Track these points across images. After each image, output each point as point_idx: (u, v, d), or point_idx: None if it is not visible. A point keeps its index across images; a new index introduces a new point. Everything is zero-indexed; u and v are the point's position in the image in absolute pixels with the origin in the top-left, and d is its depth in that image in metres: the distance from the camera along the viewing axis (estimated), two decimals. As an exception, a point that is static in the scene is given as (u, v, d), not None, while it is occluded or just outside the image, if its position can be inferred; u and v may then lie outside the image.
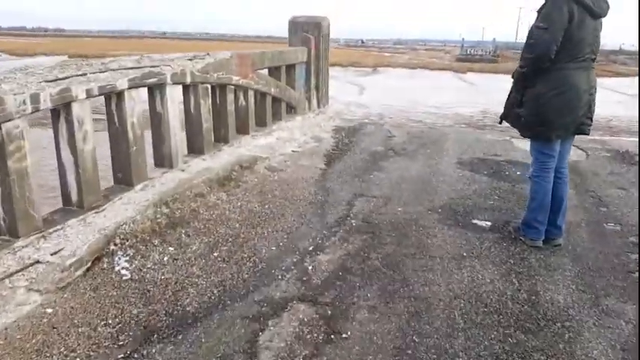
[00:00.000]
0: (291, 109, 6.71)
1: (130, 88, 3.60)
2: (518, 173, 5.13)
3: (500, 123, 3.53)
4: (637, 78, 16.27)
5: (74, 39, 62.31)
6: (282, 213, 3.90)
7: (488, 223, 3.85)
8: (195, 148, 4.70)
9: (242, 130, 5.46)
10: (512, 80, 3.34)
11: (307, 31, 7.06)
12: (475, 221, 3.88)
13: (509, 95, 3.39)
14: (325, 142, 6.23)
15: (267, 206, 4.02)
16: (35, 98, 2.85)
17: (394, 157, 5.68)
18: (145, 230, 3.33)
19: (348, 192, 4.44)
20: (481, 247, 3.43)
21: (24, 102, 2.79)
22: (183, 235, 3.42)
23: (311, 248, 3.36)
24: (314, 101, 7.33)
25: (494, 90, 13.28)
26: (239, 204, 4.01)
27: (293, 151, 5.72)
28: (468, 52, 41.76)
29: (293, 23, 7.15)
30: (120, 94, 3.58)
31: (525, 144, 5.60)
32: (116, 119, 3.67)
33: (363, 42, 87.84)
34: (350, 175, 4.96)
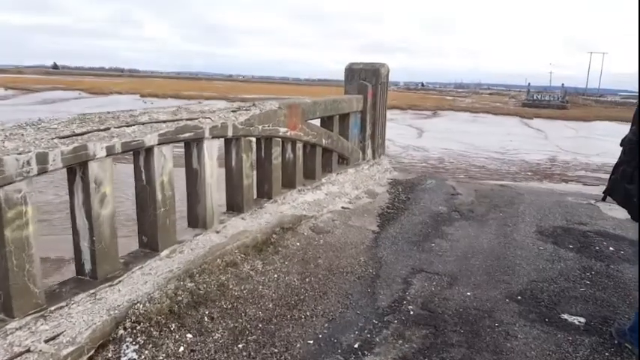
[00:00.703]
0: (344, 161, 6.18)
1: (160, 143, 3.20)
2: (611, 249, 4.24)
3: (604, 200, 2.79)
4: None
5: (147, 79, 66.48)
6: (324, 291, 3.29)
7: (582, 320, 3.04)
8: (234, 205, 4.23)
9: (288, 184, 4.97)
10: (621, 148, 2.62)
11: (364, 78, 6.60)
12: (565, 316, 3.09)
13: (616, 167, 2.66)
14: (380, 197, 5.61)
15: (307, 280, 3.43)
16: (42, 158, 2.48)
17: (460, 220, 4.94)
18: (161, 311, 2.82)
19: (404, 265, 3.77)
20: (575, 357, 2.65)
21: (28, 163, 2.42)
22: (205, 318, 2.88)
23: (356, 345, 2.71)
24: (368, 152, 6.77)
25: (563, 137, 12.22)
26: (275, 276, 3.45)
27: (343, 207, 5.15)
28: (535, 98, 40.16)
29: (350, 70, 6.73)
30: (149, 150, 3.19)
31: (617, 212, 4.77)
32: (143, 177, 3.27)
33: (423, 85, 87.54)
34: (407, 241, 4.28)
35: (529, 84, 52.40)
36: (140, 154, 3.22)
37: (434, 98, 39.88)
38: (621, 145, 2.62)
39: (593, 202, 5.71)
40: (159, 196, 3.29)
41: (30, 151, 2.44)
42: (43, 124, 2.70)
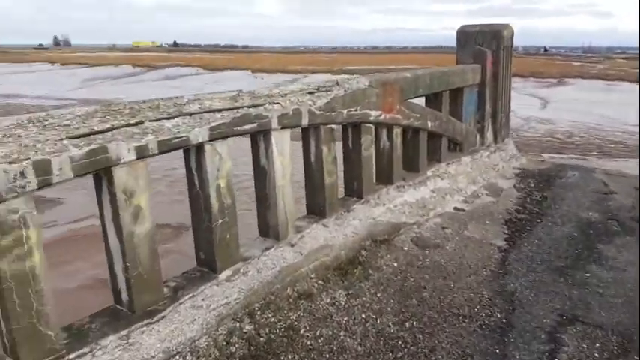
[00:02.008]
0: (456, 147, 5.04)
1: (212, 140, 2.45)
2: None
3: None
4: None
5: (257, 54, 68.34)
6: (431, 346, 2.36)
7: None
8: (314, 208, 3.42)
9: (383, 179, 4.03)
10: None
11: (482, 43, 5.33)
12: None
13: None
14: (505, 196, 4.44)
15: (407, 325, 2.52)
16: (43, 167, 1.85)
17: (621, 235, 3.61)
18: (204, 367, 2.11)
19: (547, 308, 2.68)
20: None
21: (23, 174, 1.78)
22: (263, 381, 2.12)
23: None
24: (488, 134, 5.53)
25: None
26: (363, 316, 2.58)
27: (456, 209, 4.09)
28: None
29: (463, 34, 5.49)
30: (199, 148, 2.46)
31: None
32: (196, 181, 2.58)
33: (546, 50, 79.31)
34: (548, 267, 3.14)
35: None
36: (190, 153, 2.51)
37: (559, 64, 35.47)
38: None
39: None
40: (214, 205, 2.57)
41: (27, 158, 1.80)
42: (51, 119, 2.07)
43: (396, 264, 3.13)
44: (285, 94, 2.95)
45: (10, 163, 1.78)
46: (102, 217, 2.28)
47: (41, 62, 50.61)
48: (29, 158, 1.82)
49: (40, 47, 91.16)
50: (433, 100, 4.63)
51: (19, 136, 1.88)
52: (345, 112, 3.29)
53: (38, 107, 20.64)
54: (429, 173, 4.44)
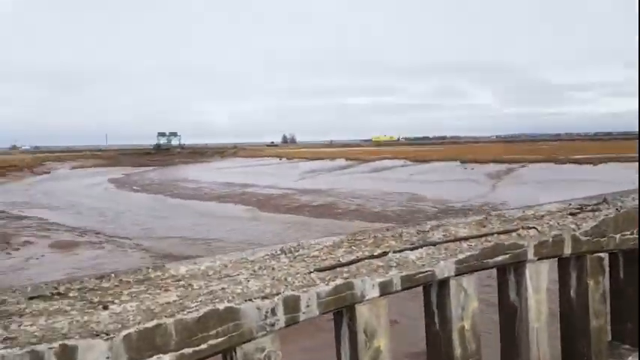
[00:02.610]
0: None
1: (458, 274, 2.14)
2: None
3: None
4: None
5: (468, 145, 67.35)
6: None
7: None
8: (574, 357, 2.72)
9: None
10: None
11: None
12: None
13: None
14: None
15: None
16: (292, 304, 1.78)
17: None
18: None
19: None
20: None
21: (273, 311, 1.74)
22: None
23: None
24: None
25: None
26: None
27: None
28: None
29: None
30: (443, 283, 2.17)
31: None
32: (436, 319, 2.27)
33: None
34: None
35: None
36: (431, 288, 2.23)
37: None
38: None
39: None
40: (456, 349, 2.19)
41: (278, 293, 1.76)
42: (301, 250, 2.04)
43: None
44: (542, 216, 2.50)
45: (263, 298, 1.75)
46: (338, 354, 2.11)
47: (271, 157, 59.38)
48: (280, 293, 1.78)
49: (272, 144, 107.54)
50: None
51: (272, 269, 1.88)
52: (617, 237, 2.63)
53: (265, 195, 23.75)
54: None
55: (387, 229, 2.30)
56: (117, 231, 15.10)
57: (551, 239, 2.38)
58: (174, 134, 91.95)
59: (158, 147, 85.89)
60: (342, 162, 43.10)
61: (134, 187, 31.77)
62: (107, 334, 1.39)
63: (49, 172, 50.34)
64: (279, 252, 2.02)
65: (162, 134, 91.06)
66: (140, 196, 26.96)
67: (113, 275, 1.80)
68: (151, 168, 55.97)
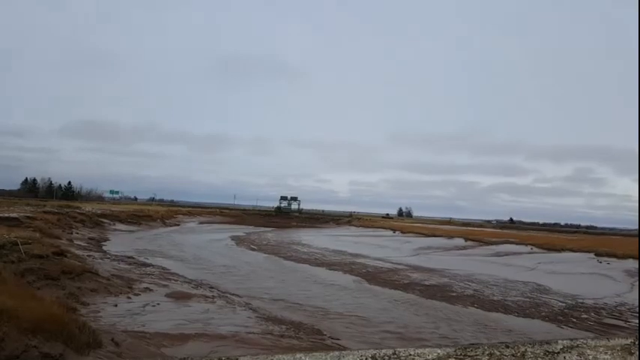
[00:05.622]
0: None
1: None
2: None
3: None
4: None
5: (604, 237, 60.09)
6: None
7: None
8: None
9: None
10: None
11: None
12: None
13: None
14: None
15: None
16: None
17: None
18: None
19: None
20: None
21: None
22: None
23: None
24: None
25: None
26: None
27: None
28: None
29: None
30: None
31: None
32: None
33: None
34: None
35: None
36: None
37: None
38: None
39: None
40: None
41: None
42: (394, 358, 1.67)
43: None
44: None
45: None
46: None
47: (385, 229, 58.55)
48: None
49: (387, 216, 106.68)
50: None
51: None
52: None
53: (375, 268, 23.00)
54: None
55: (507, 346, 1.82)
56: (229, 286, 15.61)
57: None
58: (295, 199, 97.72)
59: (279, 210, 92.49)
60: (460, 241, 40.74)
61: (252, 246, 33.23)
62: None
63: (178, 225, 55.19)
64: (370, 358, 1.68)
65: (284, 198, 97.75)
66: (256, 255, 28.01)
67: None
68: (269, 229, 58.63)
